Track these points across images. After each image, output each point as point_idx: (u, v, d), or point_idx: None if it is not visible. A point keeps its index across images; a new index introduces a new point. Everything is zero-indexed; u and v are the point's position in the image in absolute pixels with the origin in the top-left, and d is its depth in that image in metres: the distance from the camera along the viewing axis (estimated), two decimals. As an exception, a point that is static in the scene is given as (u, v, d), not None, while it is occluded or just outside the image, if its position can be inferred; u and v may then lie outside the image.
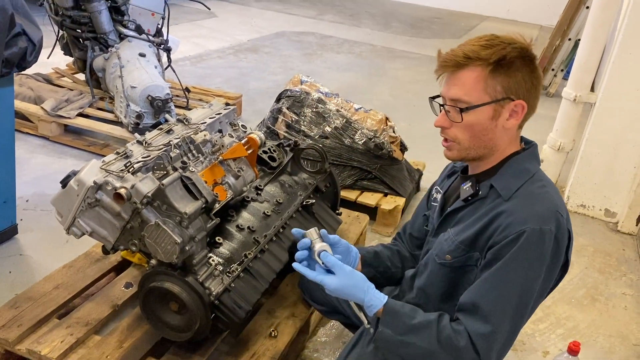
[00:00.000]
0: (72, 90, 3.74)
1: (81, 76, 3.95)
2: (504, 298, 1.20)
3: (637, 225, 3.16)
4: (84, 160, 3.17)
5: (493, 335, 1.19)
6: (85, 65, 3.67)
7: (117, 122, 3.45)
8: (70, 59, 4.09)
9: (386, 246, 1.68)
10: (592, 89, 3.31)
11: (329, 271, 1.31)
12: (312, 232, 1.37)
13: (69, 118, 3.40)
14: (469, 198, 1.34)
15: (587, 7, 4.98)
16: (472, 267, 1.31)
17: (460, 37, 8.45)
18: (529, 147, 1.36)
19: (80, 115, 3.48)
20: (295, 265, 1.35)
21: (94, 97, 3.62)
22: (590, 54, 3.12)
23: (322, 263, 1.31)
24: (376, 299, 1.28)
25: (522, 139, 1.38)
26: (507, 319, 1.21)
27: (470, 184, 1.35)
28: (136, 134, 1.84)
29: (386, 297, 1.30)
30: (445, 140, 1.35)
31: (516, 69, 1.24)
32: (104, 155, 1.75)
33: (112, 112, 3.54)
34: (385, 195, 2.97)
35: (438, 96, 1.33)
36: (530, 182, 1.28)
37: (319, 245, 1.34)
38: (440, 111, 1.33)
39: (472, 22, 9.83)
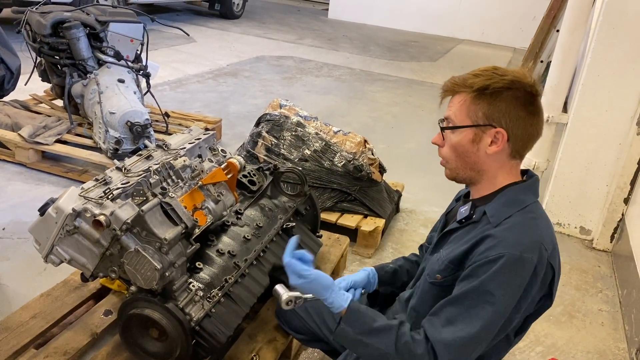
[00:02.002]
0: (50, 116, 3.72)
1: (59, 102, 3.94)
2: (472, 313, 1.24)
3: (611, 242, 3.23)
4: (62, 187, 3.14)
5: (454, 344, 1.22)
6: (63, 91, 3.66)
7: (96, 148, 3.44)
8: (48, 85, 4.08)
9: (408, 259, 1.74)
10: (565, 110, 3.40)
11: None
12: (278, 290, 1.36)
13: (47, 144, 3.38)
14: (463, 220, 1.40)
15: (557, 31, 5.14)
16: None
17: (436, 60, 8.63)
18: (527, 180, 1.40)
19: (59, 141, 3.46)
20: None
21: (72, 123, 3.60)
22: (561, 76, 3.20)
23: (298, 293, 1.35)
24: (338, 299, 1.33)
25: (526, 172, 1.43)
26: (473, 333, 1.23)
27: (467, 207, 1.41)
28: (115, 160, 1.85)
29: (350, 297, 1.34)
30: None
31: (501, 99, 1.31)
32: (82, 182, 1.75)
33: (90, 138, 3.53)
34: (365, 216, 2.99)
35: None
36: (521, 212, 1.32)
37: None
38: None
39: (447, 45, 10.05)
